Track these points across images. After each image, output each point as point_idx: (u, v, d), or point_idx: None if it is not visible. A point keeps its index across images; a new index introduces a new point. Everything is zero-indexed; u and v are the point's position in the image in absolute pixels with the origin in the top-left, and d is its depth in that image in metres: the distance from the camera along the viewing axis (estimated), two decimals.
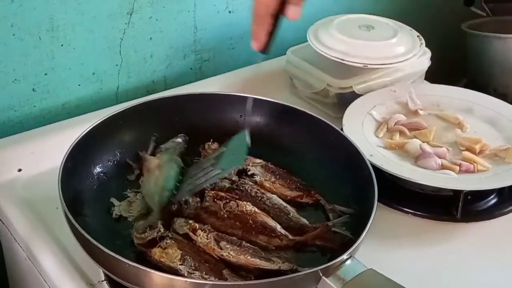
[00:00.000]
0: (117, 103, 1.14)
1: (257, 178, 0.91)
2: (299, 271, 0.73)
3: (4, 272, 1.07)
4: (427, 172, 0.96)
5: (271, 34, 0.76)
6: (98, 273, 0.79)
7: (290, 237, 0.81)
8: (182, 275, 0.73)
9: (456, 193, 0.93)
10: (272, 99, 1.00)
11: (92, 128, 0.89)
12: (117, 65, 1.14)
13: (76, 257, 0.83)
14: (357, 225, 0.80)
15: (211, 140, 0.96)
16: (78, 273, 0.81)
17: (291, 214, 0.85)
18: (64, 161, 0.82)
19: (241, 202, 0.84)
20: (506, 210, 0.97)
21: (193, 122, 0.99)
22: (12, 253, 0.95)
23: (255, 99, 0.94)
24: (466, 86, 1.46)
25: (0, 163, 0.97)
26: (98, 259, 0.73)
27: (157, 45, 1.17)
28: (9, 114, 1.05)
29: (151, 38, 1.15)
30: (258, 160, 0.94)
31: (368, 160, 0.87)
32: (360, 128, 1.03)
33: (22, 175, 0.98)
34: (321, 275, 0.70)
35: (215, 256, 0.77)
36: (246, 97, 0.94)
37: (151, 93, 1.18)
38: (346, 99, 1.10)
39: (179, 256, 0.75)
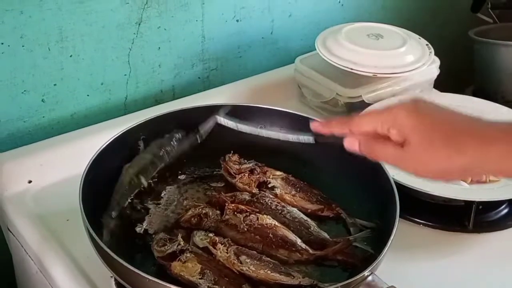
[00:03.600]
0: (126, 113, 1.14)
1: (278, 191, 0.91)
2: (319, 287, 0.73)
3: (15, 284, 1.06)
4: (438, 182, 0.95)
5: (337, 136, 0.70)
6: (110, 286, 0.78)
7: (311, 251, 0.80)
8: None
9: (468, 203, 0.93)
10: (288, 109, 0.99)
11: (113, 140, 0.88)
12: (125, 75, 1.13)
13: (88, 269, 0.83)
14: (377, 240, 0.79)
15: (232, 151, 0.95)
16: (89, 286, 0.81)
17: (312, 228, 0.84)
18: (85, 173, 0.81)
19: (261, 215, 0.83)
20: None
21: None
22: (22, 265, 0.95)
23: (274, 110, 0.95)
24: (473, 92, 1.46)
25: (10, 174, 0.96)
26: (118, 272, 0.73)
27: (165, 54, 1.17)
28: (19, 125, 1.05)
29: (159, 47, 1.15)
30: (278, 173, 0.93)
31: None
32: None
33: (32, 187, 0.97)
34: None
35: (235, 271, 0.76)
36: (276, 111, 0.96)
37: (159, 103, 1.18)
38: (355, 108, 1.10)
39: (199, 270, 0.74)
